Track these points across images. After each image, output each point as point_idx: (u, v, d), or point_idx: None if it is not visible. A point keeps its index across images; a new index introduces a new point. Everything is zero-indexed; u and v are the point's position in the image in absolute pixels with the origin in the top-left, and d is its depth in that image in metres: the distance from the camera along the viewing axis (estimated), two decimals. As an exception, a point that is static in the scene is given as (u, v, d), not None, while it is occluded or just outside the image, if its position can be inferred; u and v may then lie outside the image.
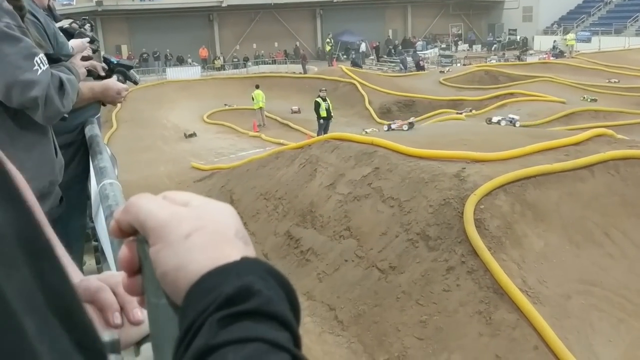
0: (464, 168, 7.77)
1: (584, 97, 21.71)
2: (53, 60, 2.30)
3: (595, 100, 21.28)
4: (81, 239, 3.01)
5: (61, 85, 2.17)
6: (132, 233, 0.54)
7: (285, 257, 8.28)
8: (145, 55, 36.40)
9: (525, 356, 5.84)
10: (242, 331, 0.43)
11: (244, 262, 0.49)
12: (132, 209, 0.53)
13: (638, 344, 6.07)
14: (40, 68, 2.09)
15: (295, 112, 20.33)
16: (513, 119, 16.87)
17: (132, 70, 3.08)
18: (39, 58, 2.09)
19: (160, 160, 16.61)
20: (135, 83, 3.21)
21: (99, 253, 3.18)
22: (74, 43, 2.63)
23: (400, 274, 7.08)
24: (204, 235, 0.51)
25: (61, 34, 2.75)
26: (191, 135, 20.04)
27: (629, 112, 19.13)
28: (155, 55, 36.54)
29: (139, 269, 0.54)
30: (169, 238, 0.50)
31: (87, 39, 2.89)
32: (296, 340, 0.45)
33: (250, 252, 0.53)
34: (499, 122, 16.56)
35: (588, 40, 36.96)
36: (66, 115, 2.28)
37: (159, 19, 37.37)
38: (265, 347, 0.42)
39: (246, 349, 0.42)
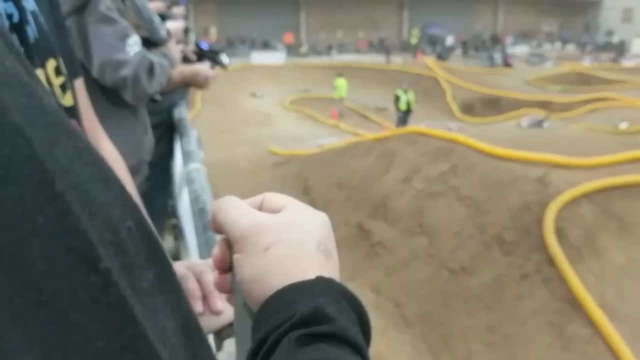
0: (548, 172, 7.49)
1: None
2: (151, 44, 2.38)
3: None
4: (163, 216, 3.12)
5: (151, 68, 2.25)
6: None
7: (354, 247, 8.28)
8: (231, 38, 37.21)
9: (598, 374, 5.61)
10: (320, 354, 0.43)
11: (319, 281, 0.49)
12: (217, 217, 0.55)
13: None
14: (133, 49, 2.17)
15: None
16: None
17: (223, 54, 3.14)
18: (132, 40, 2.18)
19: (239, 142, 16.94)
20: (225, 68, 3.28)
21: (177, 230, 3.29)
22: (171, 26, 2.71)
23: (471, 277, 6.93)
24: (283, 248, 0.51)
25: (157, 17, 2.85)
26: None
27: None
28: (241, 39, 37.28)
29: (230, 267, 0.56)
30: (249, 250, 0.52)
31: (183, 23, 2.98)
32: None
33: (330, 266, 0.52)
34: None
35: (695, 45, 34.76)
36: (159, 98, 2.37)
37: (248, 2, 38.07)
38: None
39: None
